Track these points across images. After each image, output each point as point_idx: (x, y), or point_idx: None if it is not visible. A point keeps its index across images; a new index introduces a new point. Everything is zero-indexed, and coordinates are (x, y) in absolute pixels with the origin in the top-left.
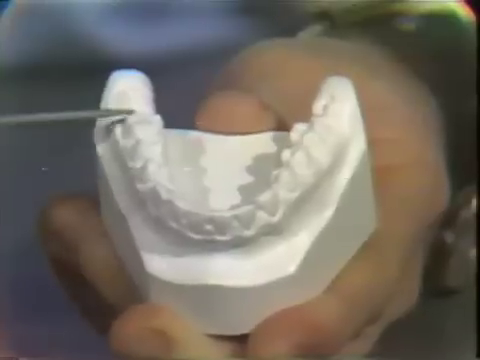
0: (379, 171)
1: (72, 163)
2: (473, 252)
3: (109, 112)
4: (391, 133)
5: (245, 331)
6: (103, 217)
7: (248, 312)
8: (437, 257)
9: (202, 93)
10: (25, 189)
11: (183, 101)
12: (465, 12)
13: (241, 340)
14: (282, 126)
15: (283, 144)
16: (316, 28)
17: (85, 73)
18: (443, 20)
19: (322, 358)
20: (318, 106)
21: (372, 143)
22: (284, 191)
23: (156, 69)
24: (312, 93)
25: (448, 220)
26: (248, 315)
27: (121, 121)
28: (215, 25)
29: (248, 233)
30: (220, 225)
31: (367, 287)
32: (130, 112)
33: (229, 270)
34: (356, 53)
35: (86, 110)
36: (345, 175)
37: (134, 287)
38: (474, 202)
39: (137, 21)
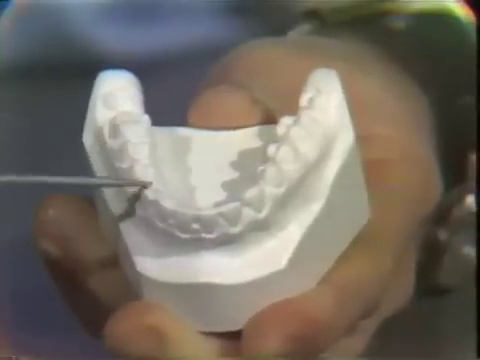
0: (370, 166)
1: (72, 164)
2: (467, 250)
3: (124, 182)
4: (382, 129)
5: (238, 327)
6: (98, 217)
7: (240, 308)
8: (431, 255)
9: (194, 93)
10: (25, 190)
11: (176, 101)
12: (459, 11)
13: (235, 337)
14: (272, 122)
15: (271, 138)
16: (305, 27)
17: (82, 73)
18: (434, 19)
19: (319, 358)
20: (304, 99)
21: (363, 139)
22: (270, 187)
23: (150, 69)
24: (302, 91)
25: (441, 217)
26: (240, 311)
27: (138, 194)
28: (207, 25)
29: (235, 230)
30: (206, 223)
31: (360, 279)
32: (145, 184)
33: (218, 267)
34: (347, 51)
35: (101, 178)
36: (333, 168)
37: (128, 287)
38: (467, 200)
39: (132, 22)
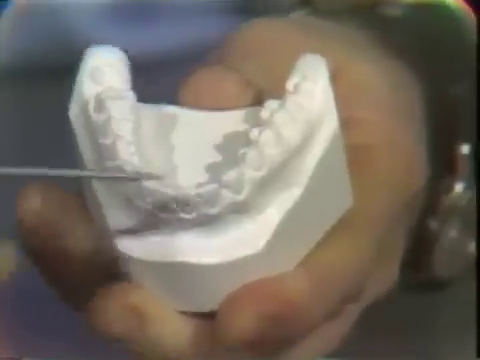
0: (352, 150)
1: (72, 163)
2: (458, 239)
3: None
4: (368, 113)
5: (215, 308)
6: (87, 201)
7: (217, 289)
8: (423, 245)
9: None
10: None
11: (175, 101)
12: (453, 0)
13: (212, 317)
14: (263, 102)
15: (257, 121)
16: (301, 13)
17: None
18: (428, 8)
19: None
20: (290, 84)
21: (348, 122)
22: (250, 170)
23: (150, 69)
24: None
25: (430, 207)
26: (217, 292)
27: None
28: (206, 25)
29: (213, 211)
30: (184, 203)
31: (338, 263)
32: (138, 177)
33: (195, 247)
34: (342, 34)
35: (104, 171)
36: (315, 153)
37: (112, 269)
38: (455, 189)
39: (131, 22)
